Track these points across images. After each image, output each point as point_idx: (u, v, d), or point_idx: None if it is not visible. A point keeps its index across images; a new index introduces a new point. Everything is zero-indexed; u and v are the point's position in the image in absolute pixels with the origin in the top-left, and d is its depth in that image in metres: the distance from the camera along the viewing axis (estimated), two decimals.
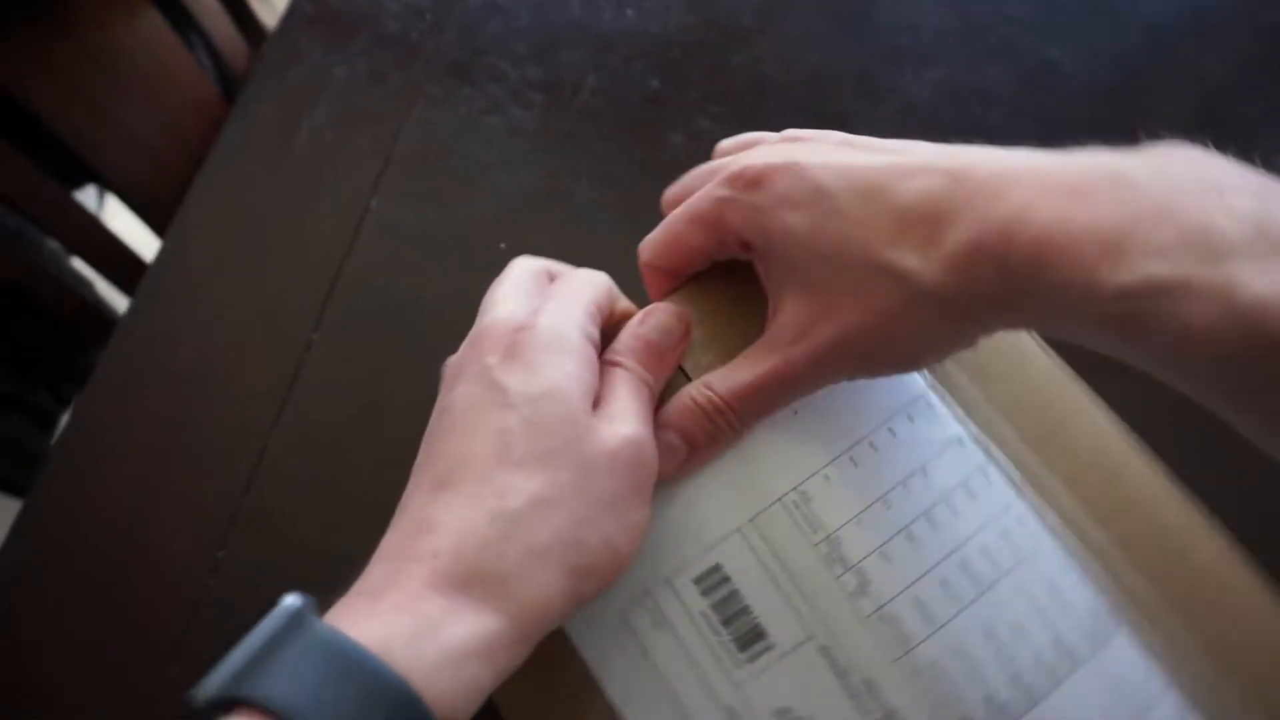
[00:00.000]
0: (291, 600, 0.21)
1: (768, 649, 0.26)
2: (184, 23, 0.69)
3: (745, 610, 0.26)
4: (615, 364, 0.26)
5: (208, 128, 0.54)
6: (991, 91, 0.51)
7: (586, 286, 0.28)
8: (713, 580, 0.26)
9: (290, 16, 0.51)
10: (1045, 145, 0.52)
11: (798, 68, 0.50)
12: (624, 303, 0.30)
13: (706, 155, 0.48)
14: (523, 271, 0.29)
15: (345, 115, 0.48)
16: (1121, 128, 0.50)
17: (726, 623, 0.26)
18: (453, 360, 0.27)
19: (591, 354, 0.26)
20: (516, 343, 0.25)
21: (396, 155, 0.47)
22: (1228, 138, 0.55)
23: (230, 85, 0.70)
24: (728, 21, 0.52)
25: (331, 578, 0.38)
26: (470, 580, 0.22)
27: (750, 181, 0.25)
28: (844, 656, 0.25)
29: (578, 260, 0.44)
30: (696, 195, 0.27)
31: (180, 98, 0.67)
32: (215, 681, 0.20)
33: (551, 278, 0.29)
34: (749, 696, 0.25)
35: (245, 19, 0.74)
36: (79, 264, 0.72)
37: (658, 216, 0.46)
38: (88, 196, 0.92)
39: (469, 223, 0.46)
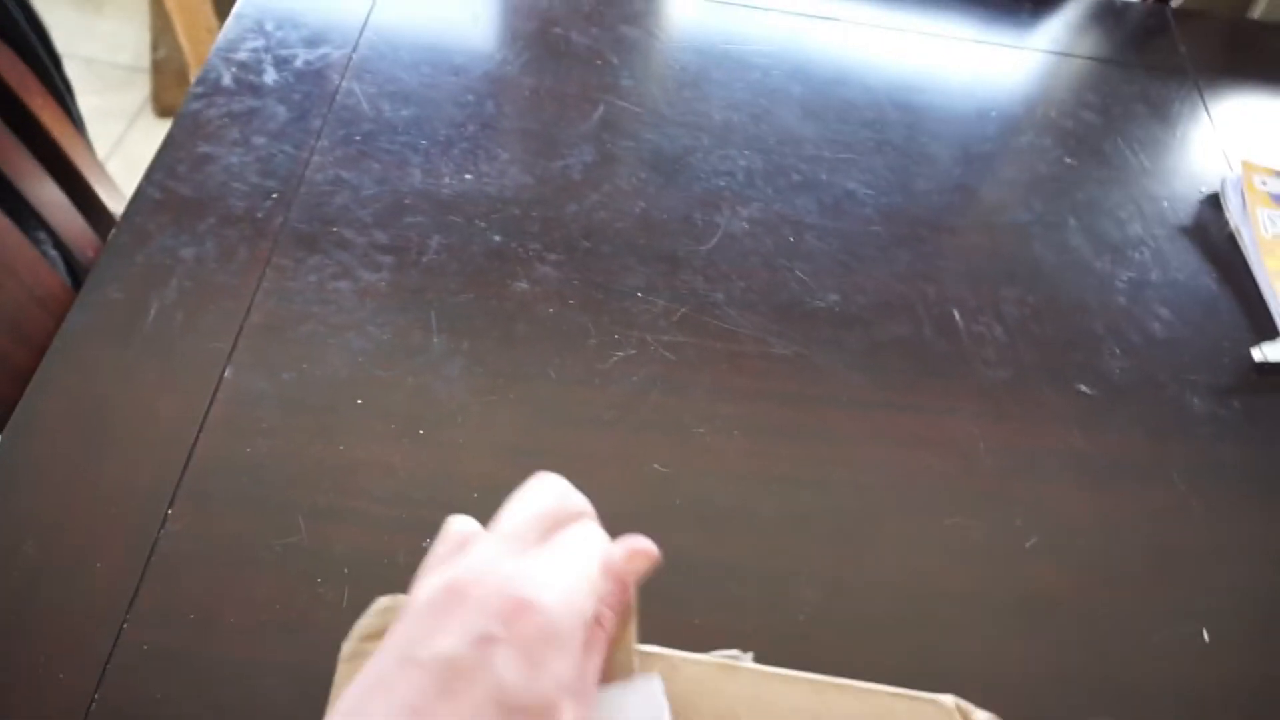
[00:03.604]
0: None
1: None
2: (29, 219, 0.69)
3: None
4: (598, 622, 0.27)
5: (53, 321, 0.54)
6: (801, 220, 0.57)
7: (596, 554, 0.29)
8: None
9: (137, 202, 0.52)
10: (853, 258, 0.59)
11: (627, 214, 0.55)
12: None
13: (550, 299, 0.52)
14: (544, 502, 0.30)
15: (195, 293, 0.49)
16: (912, 239, 0.57)
17: None
18: (458, 578, 0.27)
19: (584, 638, 0.27)
20: (523, 622, 0.25)
21: (248, 327, 0.48)
22: (1000, 241, 0.63)
23: (79, 278, 0.70)
24: (560, 180, 0.57)
25: None
26: None
27: None
28: None
29: (435, 403, 0.46)
30: None
31: (24, 294, 0.66)
32: None
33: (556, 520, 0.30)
34: None
35: (95, 212, 0.75)
36: None
37: (508, 359, 0.49)
38: None
39: (324, 383, 0.47)
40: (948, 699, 0.30)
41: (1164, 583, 0.46)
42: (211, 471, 0.44)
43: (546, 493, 0.30)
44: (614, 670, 0.29)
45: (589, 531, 0.30)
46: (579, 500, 0.31)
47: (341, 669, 0.31)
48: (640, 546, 0.31)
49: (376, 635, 0.31)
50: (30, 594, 0.40)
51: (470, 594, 0.26)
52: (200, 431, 0.45)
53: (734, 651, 0.32)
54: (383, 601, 0.32)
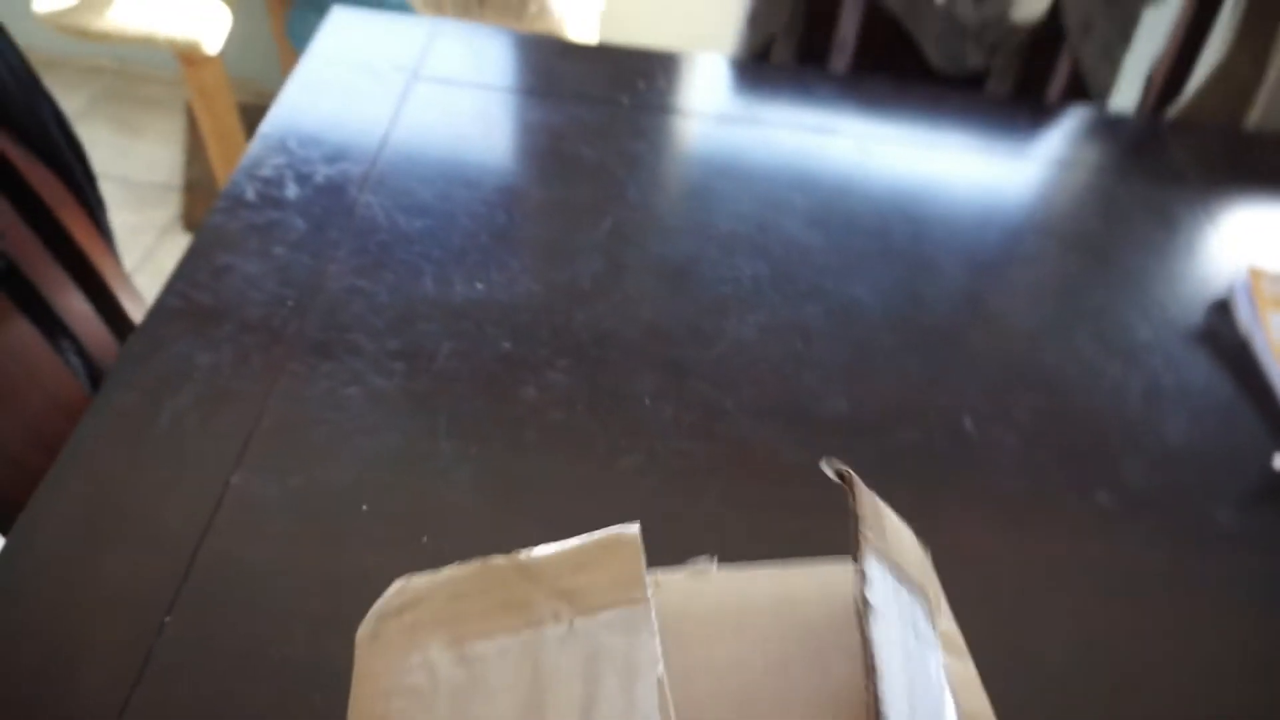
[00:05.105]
0: None
1: None
2: (54, 327, 0.71)
3: None
4: None
5: (72, 428, 0.55)
6: (808, 327, 0.57)
7: None
8: None
9: (156, 311, 0.54)
10: (862, 365, 0.59)
11: (635, 322, 0.56)
12: None
13: (558, 405, 0.52)
14: None
15: (208, 398, 0.50)
16: (921, 346, 0.57)
17: None
18: None
19: None
20: None
21: (259, 431, 0.48)
22: (1009, 347, 0.63)
23: (99, 385, 0.71)
24: (570, 287, 0.58)
25: None
26: None
27: None
28: None
29: (441, 509, 0.46)
30: None
31: (44, 400, 0.67)
32: None
33: None
34: None
35: (119, 321, 0.77)
36: None
37: (515, 466, 0.49)
38: None
39: (331, 488, 0.47)
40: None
41: (1201, 702, 0.44)
42: (213, 578, 0.43)
43: None
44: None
45: None
46: None
47: (360, 652, 0.30)
48: None
49: (394, 613, 0.30)
50: (27, 699, 0.39)
51: None
52: (204, 536, 0.44)
53: (702, 558, 0.36)
54: (399, 583, 0.31)
